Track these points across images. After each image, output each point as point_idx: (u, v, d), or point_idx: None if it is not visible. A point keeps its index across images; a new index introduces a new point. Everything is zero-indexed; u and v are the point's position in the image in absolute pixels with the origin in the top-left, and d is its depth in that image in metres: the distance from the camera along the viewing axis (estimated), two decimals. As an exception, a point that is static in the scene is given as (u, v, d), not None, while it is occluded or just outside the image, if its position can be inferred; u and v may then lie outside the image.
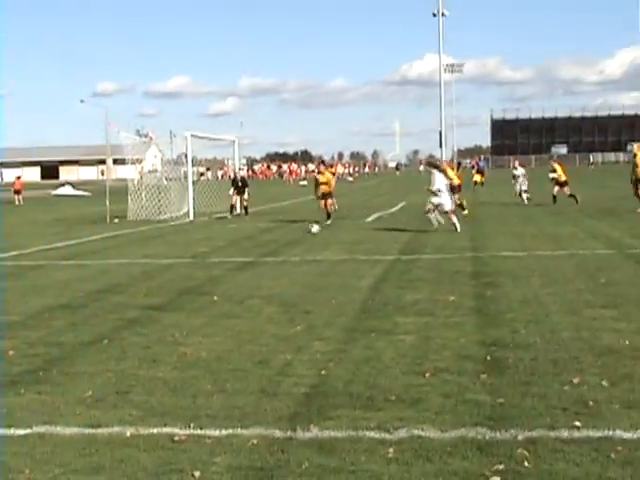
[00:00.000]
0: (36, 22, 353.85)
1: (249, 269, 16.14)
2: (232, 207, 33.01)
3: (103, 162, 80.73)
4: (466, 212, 28.36)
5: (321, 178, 28.86)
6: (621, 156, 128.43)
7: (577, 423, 6.12)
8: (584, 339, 8.93)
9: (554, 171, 33.52)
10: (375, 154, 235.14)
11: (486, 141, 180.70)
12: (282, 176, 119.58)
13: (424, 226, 23.07)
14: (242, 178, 34.00)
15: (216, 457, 5.67)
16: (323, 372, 7.86)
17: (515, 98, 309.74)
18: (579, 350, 8.44)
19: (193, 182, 34.12)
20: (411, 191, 31.74)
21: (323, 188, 28.30)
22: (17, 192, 55.09)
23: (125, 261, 18.20)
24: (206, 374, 7.94)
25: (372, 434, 6.03)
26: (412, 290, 12.68)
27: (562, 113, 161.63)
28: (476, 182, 50.56)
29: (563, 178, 33.10)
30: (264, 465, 5.50)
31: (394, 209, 32.60)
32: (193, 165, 35.22)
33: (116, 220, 31.31)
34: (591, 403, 6.61)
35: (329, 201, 28.11)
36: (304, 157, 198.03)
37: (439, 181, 23.06)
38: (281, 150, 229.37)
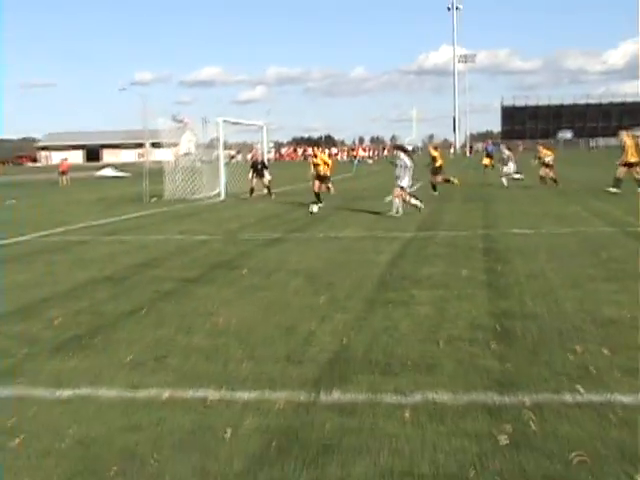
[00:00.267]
0: (80, 18, 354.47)
1: (276, 245, 16.14)
2: (252, 190, 32.34)
3: (141, 145, 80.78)
4: (455, 180, 29.22)
5: (315, 160, 27.86)
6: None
7: (580, 388, 6.10)
8: (587, 310, 8.89)
9: (539, 155, 33.63)
10: (393, 138, 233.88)
11: (497, 126, 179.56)
12: (307, 159, 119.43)
13: (440, 206, 22.95)
14: (262, 161, 33.03)
15: (245, 418, 5.69)
16: (344, 340, 7.87)
17: (524, 86, 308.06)
18: (582, 321, 8.40)
19: (224, 164, 34.12)
20: (426, 172, 31.47)
21: (318, 170, 27.19)
22: (63, 173, 55.38)
23: (162, 237, 18.25)
24: (236, 342, 7.96)
25: (389, 398, 6.04)
26: (428, 265, 12.65)
27: (568, 100, 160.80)
28: (486, 165, 50.02)
29: (548, 160, 33.08)
30: (290, 426, 5.52)
31: (411, 190, 32.43)
32: (224, 148, 35.19)
33: (153, 199, 31.39)
34: (593, 370, 6.59)
35: (322, 185, 26.62)
36: (327, 141, 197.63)
37: (404, 163, 21.50)
38: (306, 135, 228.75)
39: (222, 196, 32.34)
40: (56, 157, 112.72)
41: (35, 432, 5.57)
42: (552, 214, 20.83)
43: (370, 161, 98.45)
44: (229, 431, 5.44)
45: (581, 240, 15.20)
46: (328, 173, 27.15)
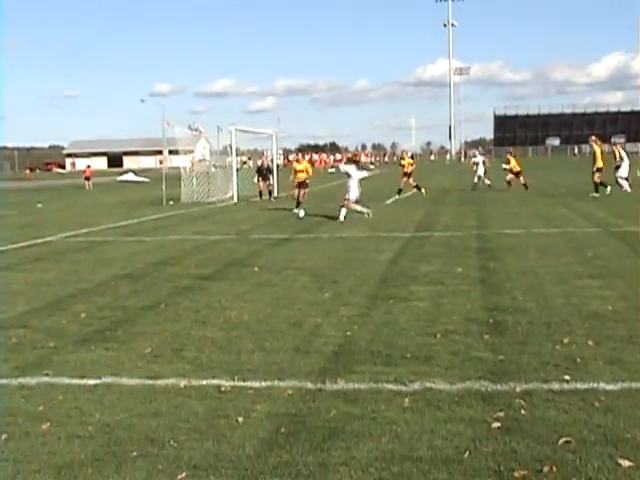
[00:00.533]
0: (101, 31, 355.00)
1: (285, 244, 16.15)
2: (260, 193, 32.78)
3: (160, 152, 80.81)
4: (424, 192, 30.57)
5: (298, 166, 26.32)
6: (605, 147, 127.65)
7: (567, 377, 6.10)
8: (573, 305, 8.88)
9: (508, 162, 34.21)
10: (393, 145, 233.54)
11: (490, 134, 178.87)
12: (313, 164, 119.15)
13: (436, 208, 22.93)
14: (268, 166, 33.38)
15: (257, 405, 5.70)
16: (348, 333, 7.87)
17: (515, 97, 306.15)
18: (569, 314, 8.39)
19: (237, 170, 34.16)
20: (423, 178, 31.46)
21: (299, 177, 25.69)
22: (87, 179, 55.33)
23: (179, 237, 18.26)
24: (248, 334, 7.97)
25: (390, 386, 6.05)
26: (425, 263, 12.65)
27: (555, 110, 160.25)
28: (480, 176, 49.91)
29: (517, 169, 33.73)
30: (298, 412, 5.53)
31: (409, 193, 32.39)
32: (237, 155, 35.20)
33: (171, 202, 31.42)
34: (579, 360, 6.59)
35: (302, 191, 25.20)
36: (332, 148, 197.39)
37: (353, 175, 21.19)
38: (312, 142, 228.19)
39: (234, 199, 32.36)
40: (80, 164, 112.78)
41: (62, 418, 5.59)
42: (541, 215, 20.81)
43: (372, 166, 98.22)
44: (241, 417, 5.45)
45: (568, 240, 15.18)
46: (308, 181, 26.22)
